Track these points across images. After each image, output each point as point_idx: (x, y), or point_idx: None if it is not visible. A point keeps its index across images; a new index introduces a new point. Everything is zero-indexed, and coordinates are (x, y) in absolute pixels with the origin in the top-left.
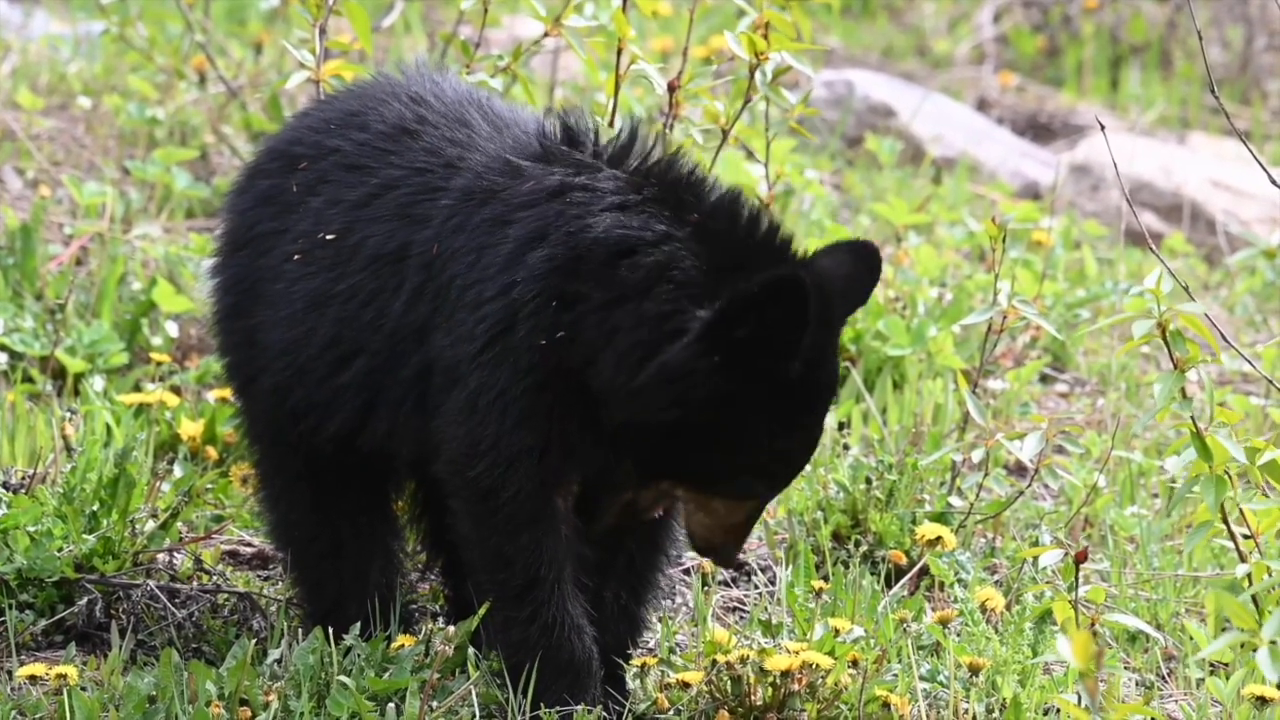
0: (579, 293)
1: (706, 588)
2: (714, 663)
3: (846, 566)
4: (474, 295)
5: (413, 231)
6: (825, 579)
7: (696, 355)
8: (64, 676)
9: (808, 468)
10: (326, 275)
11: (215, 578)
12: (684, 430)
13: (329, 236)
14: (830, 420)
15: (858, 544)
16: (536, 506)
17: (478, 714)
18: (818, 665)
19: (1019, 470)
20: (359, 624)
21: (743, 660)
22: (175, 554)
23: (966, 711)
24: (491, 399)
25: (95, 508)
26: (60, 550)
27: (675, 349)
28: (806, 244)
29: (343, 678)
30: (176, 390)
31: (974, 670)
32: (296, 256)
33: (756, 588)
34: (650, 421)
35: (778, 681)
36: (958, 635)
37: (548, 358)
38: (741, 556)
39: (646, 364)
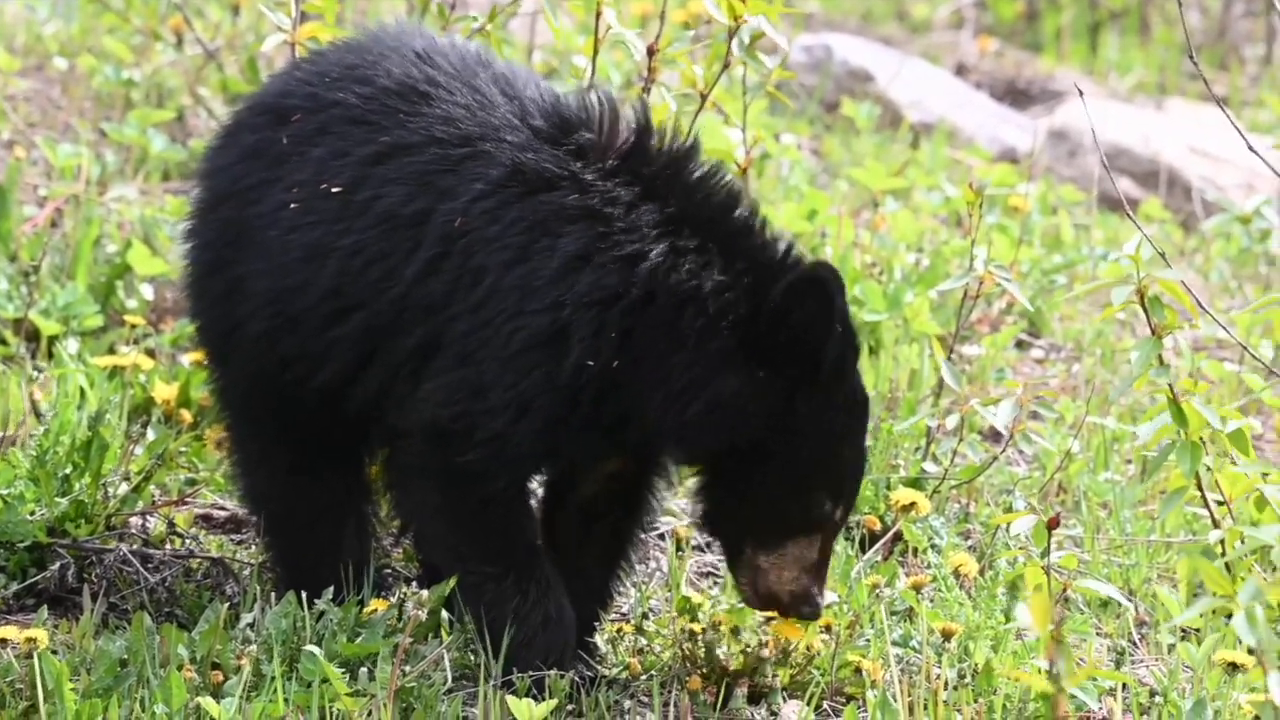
0: (643, 334)
1: (680, 553)
2: (689, 631)
3: None
4: (514, 301)
5: (435, 200)
6: None
7: (743, 377)
8: (35, 640)
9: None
10: (329, 227)
11: (188, 542)
12: (743, 461)
13: (335, 189)
14: None
15: None
16: (518, 488)
17: (450, 678)
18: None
19: (994, 436)
20: (332, 588)
21: (714, 626)
22: (148, 518)
23: (939, 677)
24: (508, 398)
25: (68, 471)
26: (32, 514)
27: (722, 377)
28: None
29: (311, 647)
30: (151, 353)
31: (947, 636)
32: (294, 205)
33: None
34: (710, 458)
35: (749, 647)
36: (931, 601)
37: (586, 380)
38: None
39: (697, 399)
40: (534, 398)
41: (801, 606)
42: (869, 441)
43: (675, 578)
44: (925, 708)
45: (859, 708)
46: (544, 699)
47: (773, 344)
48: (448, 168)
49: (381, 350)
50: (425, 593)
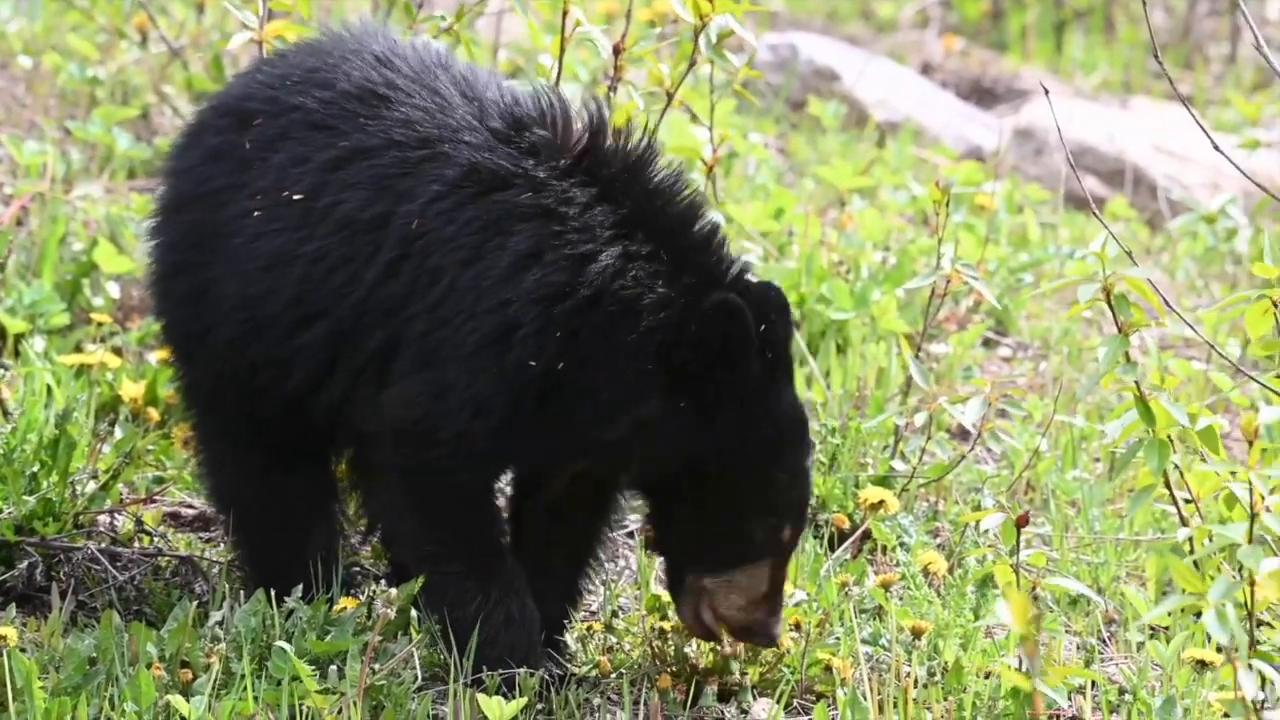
0: (588, 337)
1: (649, 551)
2: (658, 629)
3: None
4: (469, 301)
5: (394, 204)
6: None
7: (665, 403)
8: (4, 638)
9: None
10: (292, 235)
11: (156, 540)
12: (678, 486)
13: (296, 196)
14: None
15: None
16: (483, 487)
17: (420, 676)
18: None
19: (962, 434)
20: (301, 586)
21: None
22: (116, 516)
23: (908, 675)
24: (466, 396)
25: (35, 469)
26: (0, 512)
27: (646, 401)
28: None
29: (282, 643)
30: (118, 351)
31: (916, 634)
32: (257, 212)
33: None
34: (644, 482)
35: (719, 646)
36: (900, 599)
37: (534, 379)
38: None
39: (618, 421)
40: (489, 397)
41: (754, 636)
42: (837, 440)
43: (645, 576)
44: (895, 705)
45: (829, 706)
46: (514, 697)
47: (696, 371)
48: (406, 170)
49: (344, 356)
50: (394, 591)
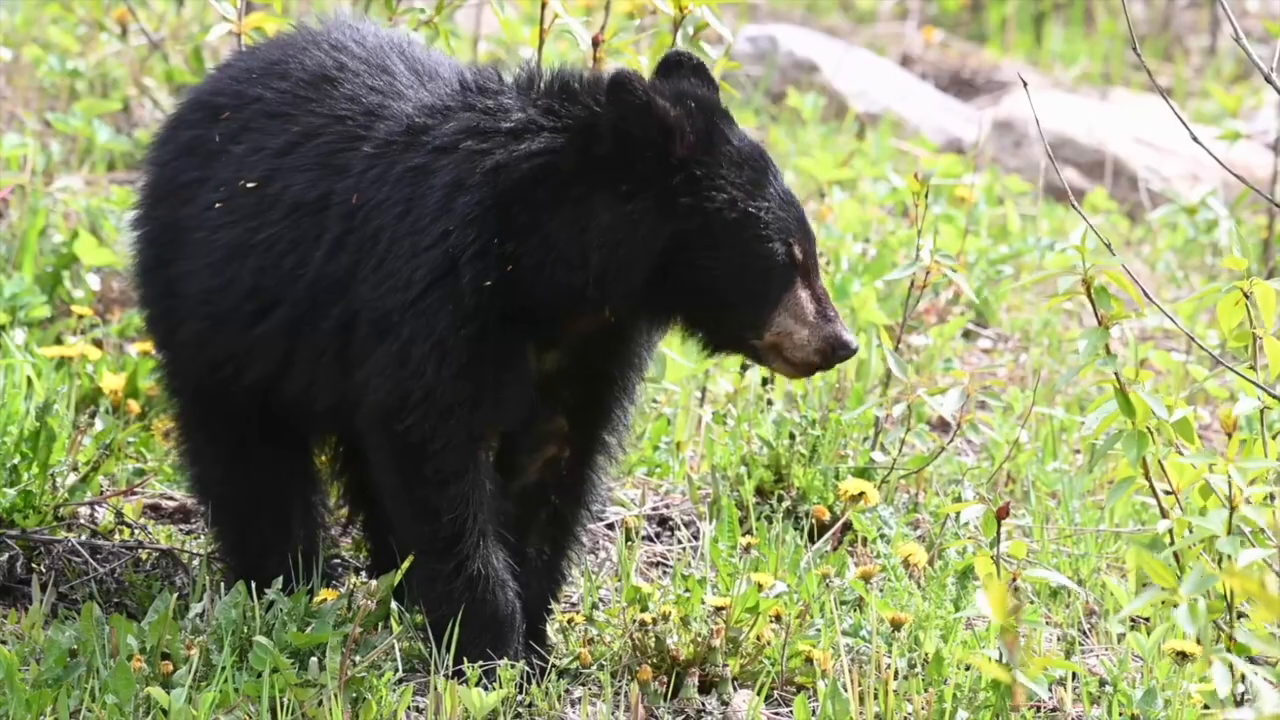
0: (516, 225)
1: (630, 543)
2: (639, 621)
3: (770, 522)
4: (409, 245)
5: (334, 180)
6: (748, 534)
7: (608, 204)
8: None
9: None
10: (247, 224)
11: (137, 532)
12: (680, 274)
13: (250, 185)
14: (754, 375)
15: (781, 499)
16: (465, 459)
17: (400, 668)
18: (739, 619)
19: (942, 426)
20: (281, 578)
21: (664, 617)
22: (97, 508)
23: (889, 666)
24: (427, 349)
25: (16, 461)
26: None
27: (593, 217)
28: None
29: (261, 638)
30: (98, 343)
31: (896, 625)
32: (218, 205)
33: (680, 543)
34: (655, 298)
35: (700, 637)
36: (880, 590)
37: (490, 301)
38: (665, 511)
39: (591, 250)
40: (446, 337)
41: (837, 353)
42: (817, 432)
43: (625, 568)
44: (875, 697)
45: (809, 697)
46: (494, 689)
47: (622, 156)
48: (345, 145)
49: (303, 341)
50: (375, 582)
